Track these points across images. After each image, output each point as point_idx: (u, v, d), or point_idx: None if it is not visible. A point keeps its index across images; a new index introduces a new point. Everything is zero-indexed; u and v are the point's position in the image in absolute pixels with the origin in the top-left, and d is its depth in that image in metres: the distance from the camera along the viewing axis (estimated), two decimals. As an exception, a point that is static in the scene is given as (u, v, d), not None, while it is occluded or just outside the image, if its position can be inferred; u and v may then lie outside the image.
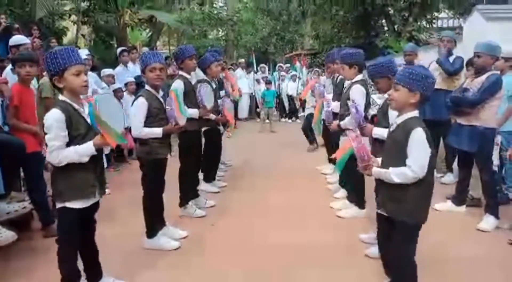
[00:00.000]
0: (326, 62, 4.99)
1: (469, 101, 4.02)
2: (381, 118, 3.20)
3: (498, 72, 4.12)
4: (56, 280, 2.52)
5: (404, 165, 2.33)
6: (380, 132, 3.13)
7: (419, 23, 14.61)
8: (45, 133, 2.34)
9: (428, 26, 15.30)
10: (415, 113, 2.40)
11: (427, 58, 5.67)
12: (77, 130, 2.37)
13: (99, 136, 2.38)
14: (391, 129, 2.51)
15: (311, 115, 8.30)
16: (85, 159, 2.38)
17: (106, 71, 6.54)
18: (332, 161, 5.72)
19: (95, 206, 2.60)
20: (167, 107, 3.35)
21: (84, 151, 2.37)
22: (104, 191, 2.61)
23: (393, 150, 2.43)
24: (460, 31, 7.63)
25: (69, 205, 2.41)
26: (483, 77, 3.99)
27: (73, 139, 2.36)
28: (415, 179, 2.31)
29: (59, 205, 2.44)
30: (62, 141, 2.32)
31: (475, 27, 7.09)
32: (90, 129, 2.43)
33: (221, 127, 4.84)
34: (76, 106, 2.41)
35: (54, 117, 2.31)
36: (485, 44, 4.04)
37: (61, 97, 2.41)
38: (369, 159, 2.52)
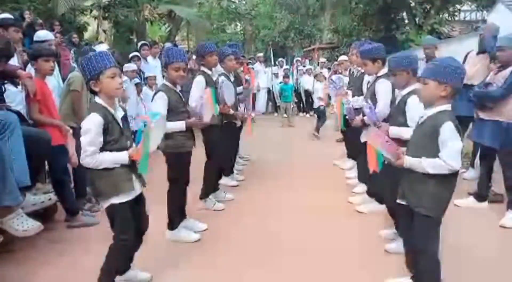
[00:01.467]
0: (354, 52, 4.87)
1: (493, 96, 3.94)
2: (395, 115, 3.16)
3: None
4: (82, 268, 2.59)
5: (433, 157, 2.32)
6: (396, 131, 3.10)
7: (441, 15, 14.33)
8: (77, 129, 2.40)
9: (450, 19, 14.99)
10: (447, 106, 2.36)
11: (448, 52, 5.56)
12: (112, 135, 2.42)
13: (135, 149, 2.45)
14: (420, 121, 2.48)
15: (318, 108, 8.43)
16: (117, 166, 2.44)
17: (130, 66, 6.64)
18: (351, 156, 5.70)
19: (140, 199, 2.64)
20: (195, 101, 3.41)
21: (119, 160, 2.43)
22: (144, 183, 2.64)
23: (422, 142, 2.41)
24: (483, 24, 7.45)
25: (114, 200, 2.45)
26: (507, 71, 3.90)
27: (107, 144, 2.40)
28: (451, 171, 2.30)
29: (106, 204, 2.48)
30: (98, 146, 2.36)
31: (499, 20, 6.91)
32: (122, 134, 2.49)
33: (237, 122, 4.87)
34: (111, 110, 2.45)
35: (93, 122, 2.34)
36: (508, 38, 3.94)
37: (97, 100, 2.45)
38: (398, 148, 2.50)
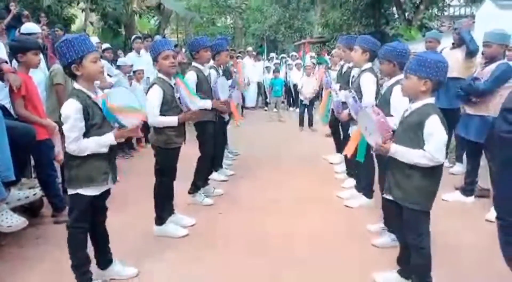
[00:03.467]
0: (340, 46, 4.88)
1: (480, 90, 3.97)
2: (382, 106, 3.17)
3: (509, 61, 4.05)
4: (67, 265, 2.56)
5: (418, 149, 2.33)
6: None
7: (430, 11, 14.40)
8: (61, 122, 2.36)
9: (439, 14, 15.07)
10: (430, 100, 2.38)
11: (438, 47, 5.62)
12: (93, 119, 2.39)
13: (117, 130, 2.43)
14: (405, 115, 2.49)
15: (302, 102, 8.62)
16: (104, 150, 2.42)
17: (126, 61, 6.59)
18: (339, 151, 5.72)
19: (107, 193, 2.63)
20: (176, 94, 3.36)
21: (104, 142, 2.40)
22: (116, 178, 2.63)
23: (407, 135, 2.42)
24: (472, 20, 7.50)
25: (81, 191, 2.44)
26: (493, 66, 3.95)
27: (90, 129, 2.38)
28: (435, 164, 2.32)
29: (71, 191, 2.46)
30: (80, 132, 2.34)
31: (487, 15, 6.96)
32: (105, 119, 2.45)
33: (226, 116, 4.84)
34: (92, 95, 2.43)
35: (71, 108, 2.31)
36: (494, 33, 3.99)
37: (76, 85, 2.41)
38: (389, 132, 2.49)
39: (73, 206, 2.51)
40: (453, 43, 5.27)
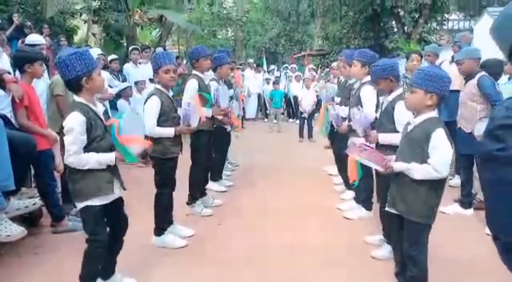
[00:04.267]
0: (342, 60, 4.89)
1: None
2: (384, 122, 3.19)
3: (484, 73, 4.18)
4: (66, 273, 2.56)
5: (421, 164, 2.35)
6: (387, 138, 3.11)
7: (429, 24, 14.53)
8: (62, 134, 2.38)
9: (438, 27, 15.21)
10: (434, 113, 2.41)
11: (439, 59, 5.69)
12: (96, 132, 2.40)
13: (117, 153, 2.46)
14: (408, 129, 2.51)
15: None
16: (103, 167, 2.43)
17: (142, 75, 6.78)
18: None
19: (119, 201, 2.62)
20: (184, 107, 3.40)
21: (104, 160, 2.42)
22: (124, 187, 2.62)
23: (411, 149, 2.43)
24: (471, 33, 7.60)
25: (89, 203, 2.43)
26: (474, 81, 4.09)
27: (91, 142, 2.39)
28: (439, 178, 2.33)
29: (80, 205, 2.46)
30: (81, 145, 2.34)
31: (485, 29, 7.03)
32: (106, 131, 2.47)
33: (228, 127, 4.87)
34: (93, 107, 2.45)
35: (76, 121, 2.32)
36: (464, 51, 4.37)
37: (77, 98, 2.42)
38: (384, 158, 2.52)
39: (85, 219, 2.50)
40: (452, 57, 5.33)
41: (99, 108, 2.53)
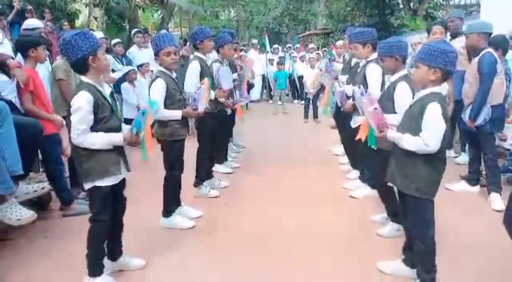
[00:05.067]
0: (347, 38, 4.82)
1: (479, 100, 3.98)
2: (385, 102, 3.16)
3: (490, 50, 4.02)
4: (75, 256, 2.60)
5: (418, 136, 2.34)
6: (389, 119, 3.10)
7: (435, 0, 14.25)
8: (68, 118, 2.38)
9: (444, 3, 14.92)
10: (437, 89, 2.38)
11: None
12: (103, 113, 2.41)
13: (131, 134, 2.47)
14: (411, 103, 2.50)
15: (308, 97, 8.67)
16: (111, 147, 2.45)
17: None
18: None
19: (122, 183, 2.66)
20: (194, 91, 3.41)
21: (113, 141, 2.44)
22: (129, 168, 2.65)
23: (409, 123, 2.43)
24: (477, 9, 7.44)
25: (98, 183, 2.46)
26: (477, 59, 4.01)
27: (98, 122, 2.40)
28: (428, 152, 2.32)
29: (88, 186, 2.48)
30: (88, 124, 2.36)
31: (493, 4, 6.89)
32: (113, 112, 2.49)
33: (228, 110, 4.85)
34: (100, 88, 2.45)
35: (83, 100, 2.33)
36: (470, 25, 4.27)
37: (84, 79, 2.42)
38: (382, 121, 2.51)
39: (93, 199, 2.54)
40: (450, 35, 5.23)
41: (106, 90, 2.53)
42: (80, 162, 2.46)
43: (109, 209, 2.56)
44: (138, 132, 2.48)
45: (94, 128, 2.39)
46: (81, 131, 2.34)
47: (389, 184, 2.63)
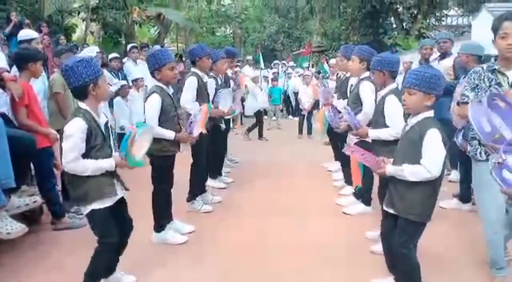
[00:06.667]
0: (340, 53, 4.93)
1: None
2: (377, 117, 3.20)
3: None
4: (65, 271, 2.57)
5: (415, 164, 2.34)
6: (376, 133, 3.16)
7: (428, 20, 14.54)
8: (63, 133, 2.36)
9: (437, 23, 15.22)
10: (430, 113, 2.40)
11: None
12: (95, 141, 2.39)
13: (120, 159, 2.45)
14: (406, 129, 2.51)
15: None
16: (103, 172, 2.42)
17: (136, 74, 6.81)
18: (338, 159, 5.74)
19: (122, 203, 2.62)
20: (191, 118, 3.46)
21: (104, 167, 2.41)
22: (125, 187, 2.62)
23: (408, 150, 2.43)
24: (469, 29, 7.61)
25: (95, 206, 2.43)
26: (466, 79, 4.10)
27: (90, 150, 2.37)
28: (430, 178, 2.33)
29: (85, 210, 2.46)
30: (80, 152, 2.33)
31: (483, 25, 7.04)
32: (105, 141, 2.47)
33: (222, 125, 4.87)
34: (95, 117, 2.43)
35: (76, 127, 2.31)
36: (464, 44, 4.41)
37: (82, 105, 2.41)
38: (376, 160, 2.54)
39: (93, 223, 2.49)
40: (439, 55, 5.35)
41: (102, 119, 2.52)
42: (75, 187, 2.43)
43: (115, 231, 2.52)
44: (126, 155, 2.45)
45: (85, 156, 2.36)
46: (71, 159, 2.31)
47: (386, 209, 2.61)
